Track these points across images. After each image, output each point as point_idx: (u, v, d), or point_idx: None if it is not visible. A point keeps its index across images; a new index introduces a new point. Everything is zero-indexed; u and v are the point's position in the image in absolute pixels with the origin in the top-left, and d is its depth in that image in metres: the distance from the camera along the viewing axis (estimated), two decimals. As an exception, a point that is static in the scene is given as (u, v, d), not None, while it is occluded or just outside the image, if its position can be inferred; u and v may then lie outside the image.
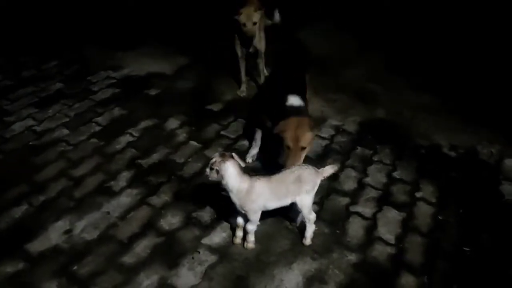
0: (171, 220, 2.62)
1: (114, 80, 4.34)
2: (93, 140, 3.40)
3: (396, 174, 3.04)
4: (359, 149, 3.32)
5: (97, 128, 3.55)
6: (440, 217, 2.66)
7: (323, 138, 3.45)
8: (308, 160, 3.15)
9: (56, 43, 5.13)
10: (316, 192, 2.79)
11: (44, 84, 4.22)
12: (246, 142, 3.40)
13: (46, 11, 6.23)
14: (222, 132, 3.53)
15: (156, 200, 2.77)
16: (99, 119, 3.68)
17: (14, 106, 3.85)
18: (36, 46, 5.07)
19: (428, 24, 5.71)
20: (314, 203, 2.71)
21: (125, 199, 2.79)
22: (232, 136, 3.47)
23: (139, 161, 3.16)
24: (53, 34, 5.41)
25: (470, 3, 5.77)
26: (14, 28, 5.63)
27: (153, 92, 4.15)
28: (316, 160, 3.18)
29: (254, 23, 3.66)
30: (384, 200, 2.79)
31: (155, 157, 3.21)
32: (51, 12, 6.20)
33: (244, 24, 3.63)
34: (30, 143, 3.35)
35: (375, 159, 3.21)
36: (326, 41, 5.46)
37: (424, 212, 2.70)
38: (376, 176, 3.02)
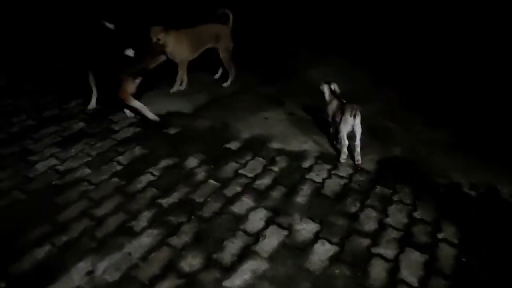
0: (191, 262, 2.62)
1: (135, 120, 4.43)
2: (115, 179, 3.45)
3: (416, 214, 3.02)
4: (378, 188, 3.32)
5: (119, 168, 3.61)
6: (463, 259, 2.62)
7: (342, 177, 3.46)
8: (326, 199, 3.19)
9: (76, 83, 5.26)
10: (336, 233, 2.83)
11: (67, 124, 4.32)
12: (264, 181, 3.42)
13: (64, 50, 6.44)
14: (240, 171, 3.56)
15: (176, 241, 2.79)
16: (120, 158, 3.75)
17: (37, 145, 3.93)
18: (57, 87, 5.21)
19: (441, 56, 5.78)
20: (335, 243, 2.73)
21: (146, 239, 2.80)
22: (250, 175, 3.50)
23: (160, 200, 3.19)
24: (73, 74, 5.55)
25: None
26: (34, 70, 5.81)
27: (172, 131, 4.22)
28: (336, 200, 3.19)
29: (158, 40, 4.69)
30: (405, 241, 2.77)
31: (175, 196, 3.24)
32: (69, 51, 6.40)
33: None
34: (53, 182, 3.41)
35: (395, 199, 3.20)
36: (340, 77, 5.50)
37: (446, 253, 2.67)
38: (396, 216, 3.00)
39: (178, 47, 4.91)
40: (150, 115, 4.35)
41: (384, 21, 7.01)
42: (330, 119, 3.91)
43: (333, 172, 3.54)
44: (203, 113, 4.65)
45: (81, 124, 4.32)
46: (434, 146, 3.88)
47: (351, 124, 3.57)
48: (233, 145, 3.97)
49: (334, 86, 3.97)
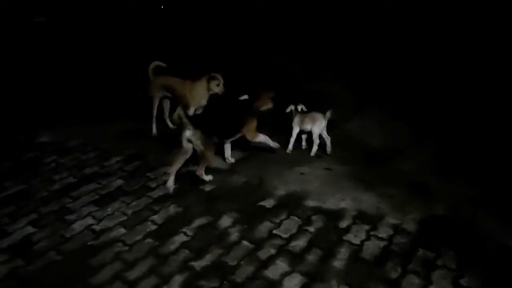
0: (222, 332, 2.52)
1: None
2: (149, 240, 3.43)
3: (463, 282, 2.82)
4: (420, 251, 3.14)
5: (153, 227, 3.60)
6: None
7: (381, 239, 3.30)
8: (365, 264, 3.03)
9: (118, 140, 5.42)
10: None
11: (106, 181, 4.39)
12: (300, 243, 3.31)
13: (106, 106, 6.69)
14: (274, 231, 3.47)
15: (208, 308, 2.70)
16: (155, 217, 3.74)
17: (76, 204, 4.00)
18: (99, 143, 5.36)
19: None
20: (374, 315, 2.56)
21: (177, 306, 2.73)
22: (285, 236, 3.40)
23: (192, 263, 3.13)
24: (115, 131, 5.73)
25: None
26: (77, 127, 6.03)
27: (207, 188, 4.21)
28: (375, 264, 3.03)
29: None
30: (452, 313, 2.57)
31: (208, 258, 3.17)
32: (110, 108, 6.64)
33: None
34: (89, 243, 3.42)
35: (439, 263, 3.00)
36: (379, 131, 5.44)
37: (498, 328, 2.45)
38: (441, 283, 2.81)
39: None
40: (273, 144, 4.78)
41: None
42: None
43: (372, 233, 3.39)
44: (239, 168, 4.63)
45: (119, 182, 4.37)
46: (479, 204, 3.67)
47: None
48: (268, 203, 3.90)
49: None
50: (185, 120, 4.02)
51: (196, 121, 4.15)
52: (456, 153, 4.66)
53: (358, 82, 7.20)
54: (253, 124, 4.63)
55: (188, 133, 4.04)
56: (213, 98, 5.23)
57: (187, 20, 11.17)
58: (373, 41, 8.99)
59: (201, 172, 4.25)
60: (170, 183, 4.16)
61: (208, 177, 4.32)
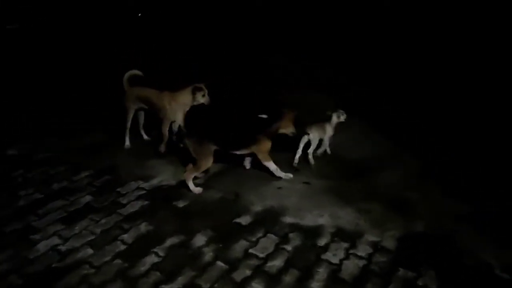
0: None
1: (144, 191, 4.27)
2: (117, 261, 3.24)
3: (444, 303, 2.74)
4: (401, 271, 3.04)
5: (122, 247, 3.41)
6: None
7: (360, 258, 3.20)
8: (344, 285, 2.92)
9: (89, 153, 5.23)
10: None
11: (74, 197, 4.19)
12: (276, 263, 3.18)
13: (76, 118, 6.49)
14: (250, 250, 3.33)
15: (179, 337, 2.54)
16: (125, 236, 3.56)
17: (41, 222, 3.78)
18: (69, 156, 5.15)
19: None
20: None
21: (146, 334, 2.57)
22: (261, 255, 3.26)
23: (163, 286, 2.96)
24: (86, 144, 5.54)
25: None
26: (47, 137, 5.82)
27: (181, 204, 4.05)
28: (354, 285, 2.92)
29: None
30: (433, 337, 2.48)
31: (179, 281, 3.01)
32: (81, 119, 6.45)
33: None
34: (53, 265, 3.22)
35: (420, 283, 2.91)
36: (359, 143, 5.36)
37: None
38: (422, 305, 2.72)
39: None
40: (284, 175, 4.51)
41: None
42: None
43: (351, 251, 3.28)
44: (214, 182, 4.48)
45: (88, 198, 4.17)
46: (460, 221, 3.61)
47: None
48: (244, 220, 3.76)
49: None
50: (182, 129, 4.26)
51: (192, 129, 4.29)
52: (437, 167, 4.61)
53: (343, 88, 7.19)
54: (268, 144, 4.41)
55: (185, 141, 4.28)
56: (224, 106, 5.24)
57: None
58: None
59: (188, 175, 4.26)
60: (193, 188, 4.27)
61: (192, 185, 4.25)
